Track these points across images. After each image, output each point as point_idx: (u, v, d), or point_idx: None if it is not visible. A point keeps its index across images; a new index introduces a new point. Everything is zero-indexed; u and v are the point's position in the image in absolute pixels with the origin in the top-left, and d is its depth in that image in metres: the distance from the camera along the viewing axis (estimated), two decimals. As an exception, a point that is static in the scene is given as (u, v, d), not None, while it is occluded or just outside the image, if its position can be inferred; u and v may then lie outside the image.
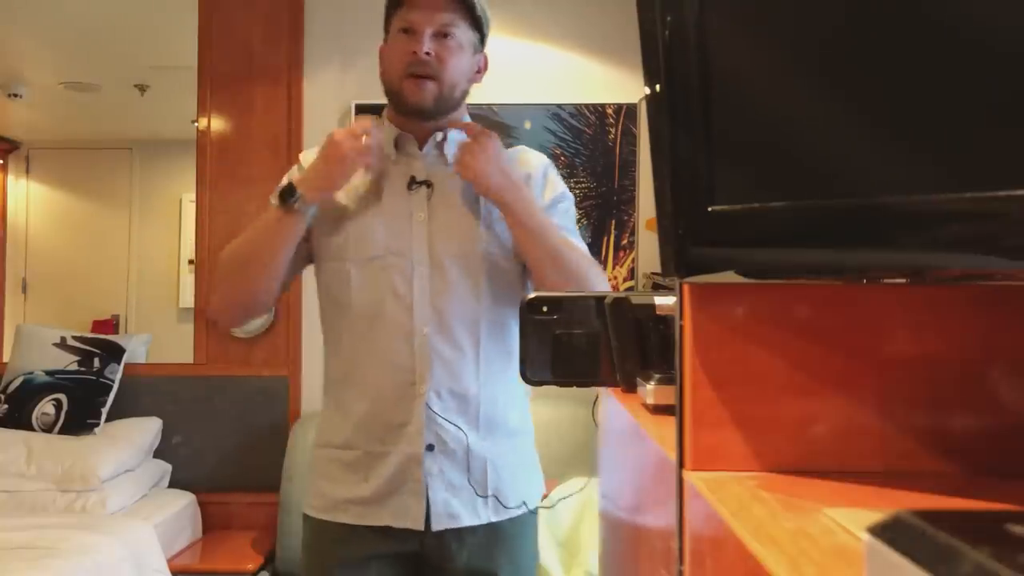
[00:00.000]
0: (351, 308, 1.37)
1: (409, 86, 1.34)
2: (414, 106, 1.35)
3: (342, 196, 1.37)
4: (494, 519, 1.38)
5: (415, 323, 1.34)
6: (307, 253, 1.43)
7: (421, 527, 1.34)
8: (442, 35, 1.34)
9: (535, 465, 1.51)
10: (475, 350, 1.37)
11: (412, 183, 1.37)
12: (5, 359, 3.12)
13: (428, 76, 1.33)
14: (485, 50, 1.43)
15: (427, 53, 1.32)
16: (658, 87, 0.47)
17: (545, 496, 1.61)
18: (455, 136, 1.41)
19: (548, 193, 1.44)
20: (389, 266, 1.35)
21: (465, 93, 1.40)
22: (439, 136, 1.40)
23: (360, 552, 1.38)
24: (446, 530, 1.36)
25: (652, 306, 0.66)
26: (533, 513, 1.46)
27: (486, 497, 1.37)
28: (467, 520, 1.36)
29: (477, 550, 1.38)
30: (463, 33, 1.36)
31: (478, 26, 1.38)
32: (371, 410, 1.36)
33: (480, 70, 1.43)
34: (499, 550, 1.40)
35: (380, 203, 1.37)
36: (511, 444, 1.43)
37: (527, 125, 2.91)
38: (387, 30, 1.40)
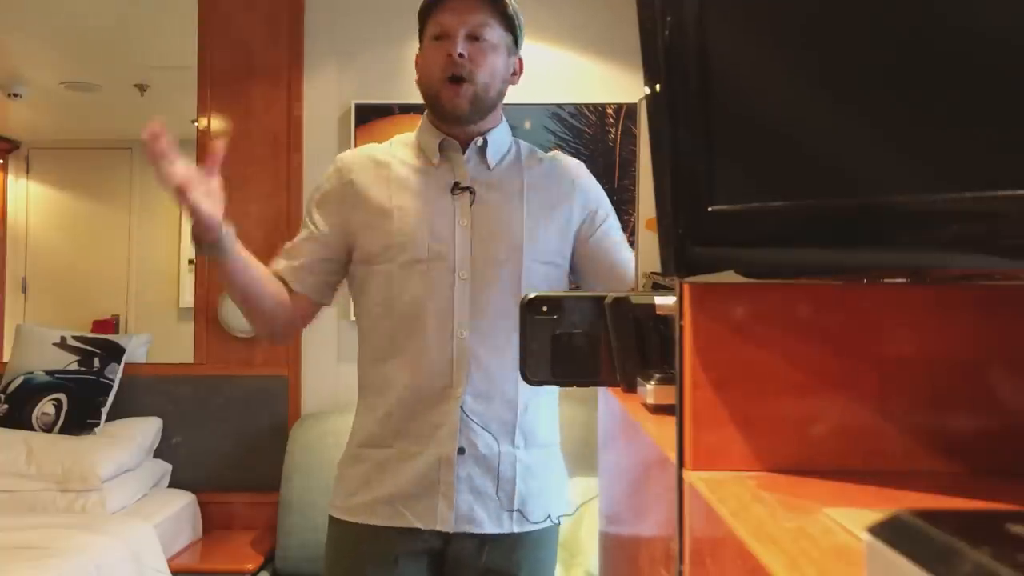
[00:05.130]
0: (392, 310, 1.38)
1: (446, 92, 1.36)
2: (451, 112, 1.37)
3: (386, 199, 1.39)
4: (517, 530, 1.40)
5: (454, 326, 1.36)
6: (346, 259, 1.44)
7: (450, 529, 1.36)
8: (474, 37, 1.35)
9: (563, 476, 1.52)
10: (513, 355, 1.37)
11: (455, 188, 1.39)
12: (5, 359, 3.12)
13: (463, 79, 1.35)
14: (520, 53, 1.45)
15: (460, 55, 1.34)
16: (658, 87, 0.47)
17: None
18: (494, 140, 1.43)
19: (601, 207, 1.47)
20: (431, 270, 1.36)
21: (501, 94, 1.42)
22: (479, 141, 1.42)
23: (388, 551, 1.39)
24: (469, 533, 1.37)
25: (652, 306, 0.66)
26: (557, 524, 1.47)
27: (512, 511, 1.39)
28: (489, 528, 1.38)
29: (498, 553, 1.40)
30: (496, 34, 1.37)
31: (511, 27, 1.40)
32: (407, 410, 1.38)
33: (516, 72, 1.45)
34: (520, 555, 1.42)
35: (423, 208, 1.38)
36: (542, 454, 1.44)
37: (527, 125, 2.91)
38: (421, 39, 1.42)
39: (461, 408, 1.36)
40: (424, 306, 1.36)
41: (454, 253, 1.36)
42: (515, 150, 1.47)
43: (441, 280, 1.36)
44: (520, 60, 1.45)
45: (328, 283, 1.45)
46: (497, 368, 1.37)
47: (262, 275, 1.38)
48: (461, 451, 1.36)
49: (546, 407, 1.45)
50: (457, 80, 1.35)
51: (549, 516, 1.43)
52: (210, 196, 1.24)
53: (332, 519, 1.45)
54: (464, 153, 1.41)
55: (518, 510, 1.39)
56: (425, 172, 1.41)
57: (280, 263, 1.44)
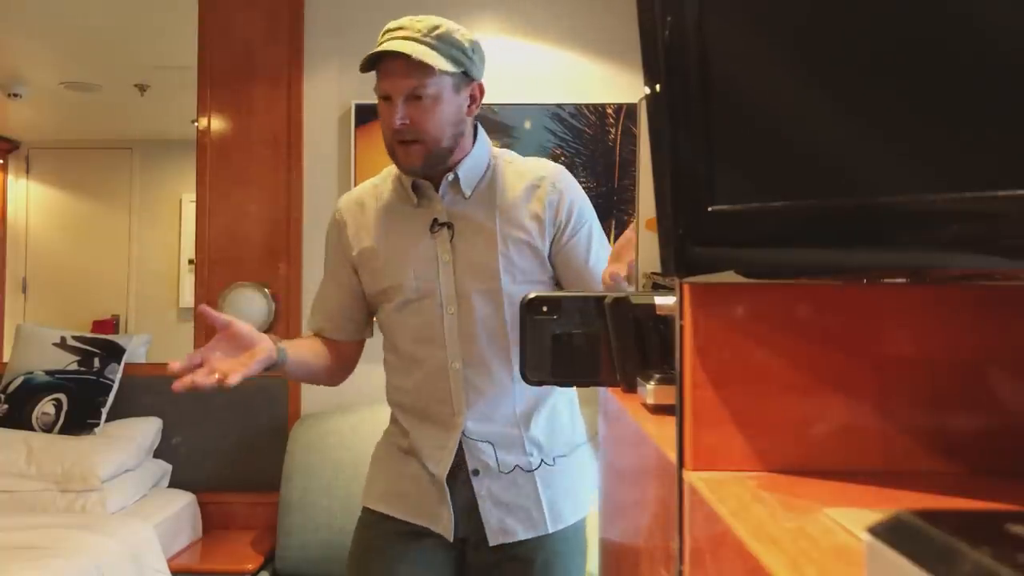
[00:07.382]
0: (396, 347, 1.48)
1: (399, 152, 1.39)
2: (407, 169, 1.42)
3: (374, 245, 1.46)
4: (550, 530, 1.46)
5: (448, 359, 1.42)
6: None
7: (451, 538, 1.44)
8: (415, 97, 1.35)
9: (589, 476, 1.55)
10: (509, 378, 1.43)
11: (434, 225, 1.43)
12: (5, 359, 3.12)
13: (411, 141, 1.37)
14: (480, 78, 1.42)
15: (403, 122, 1.35)
16: (658, 87, 0.47)
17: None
18: (466, 169, 1.43)
19: (572, 223, 1.45)
20: (422, 308, 1.43)
21: (458, 135, 1.40)
22: (450, 177, 1.43)
23: (410, 532, 1.47)
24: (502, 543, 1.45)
25: (652, 306, 0.66)
26: (583, 522, 1.52)
27: (540, 516, 1.45)
28: (523, 535, 1.45)
29: (526, 548, 1.46)
30: (436, 85, 1.34)
31: (458, 62, 1.36)
32: (420, 431, 1.46)
33: (474, 101, 1.42)
34: (543, 556, 1.47)
35: (408, 249, 1.44)
36: (562, 459, 1.49)
37: (527, 125, 2.91)
38: None
39: (463, 433, 1.43)
40: (419, 343, 1.44)
41: (439, 290, 1.42)
42: (491, 172, 1.46)
43: (431, 316, 1.42)
44: (479, 86, 1.42)
45: (365, 320, 1.55)
46: (494, 393, 1.43)
47: (313, 360, 1.48)
48: (475, 472, 1.43)
49: (558, 416, 1.49)
50: (406, 143, 1.37)
51: (576, 515, 1.49)
52: (242, 348, 1.31)
53: (364, 509, 1.54)
54: (438, 191, 1.43)
55: (547, 512, 1.45)
56: (406, 214, 1.46)
57: (316, 319, 1.55)
